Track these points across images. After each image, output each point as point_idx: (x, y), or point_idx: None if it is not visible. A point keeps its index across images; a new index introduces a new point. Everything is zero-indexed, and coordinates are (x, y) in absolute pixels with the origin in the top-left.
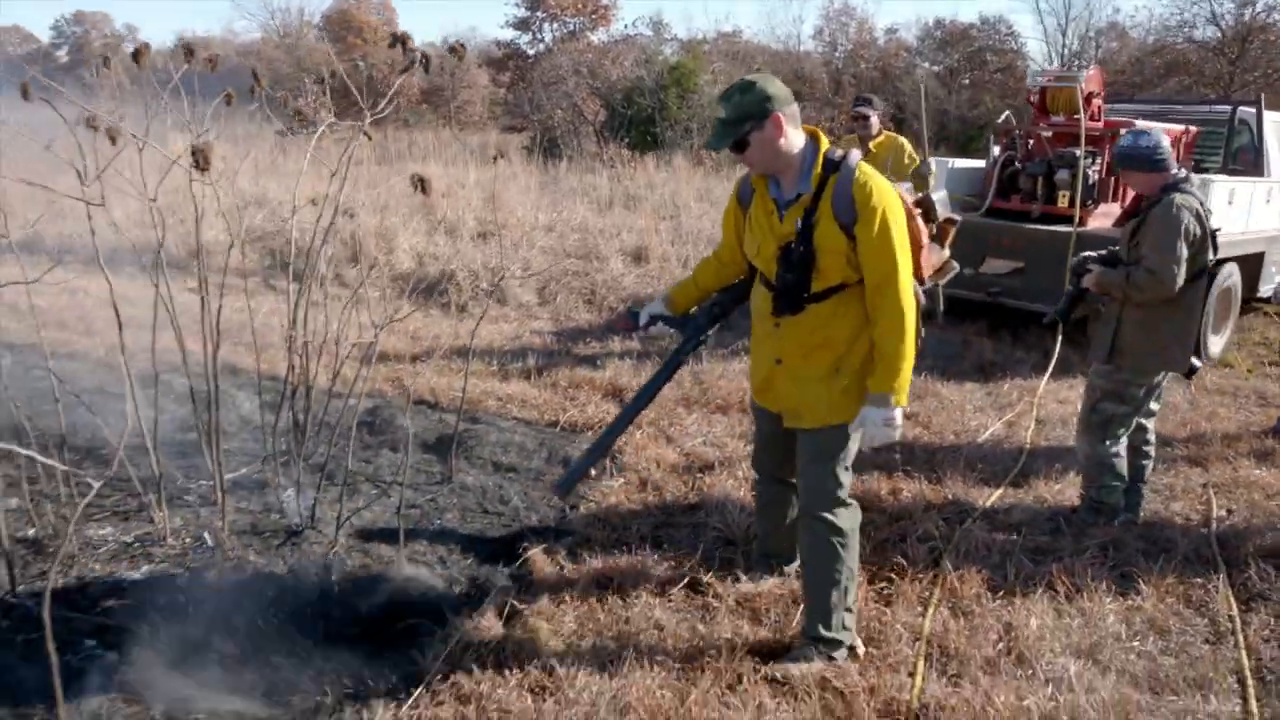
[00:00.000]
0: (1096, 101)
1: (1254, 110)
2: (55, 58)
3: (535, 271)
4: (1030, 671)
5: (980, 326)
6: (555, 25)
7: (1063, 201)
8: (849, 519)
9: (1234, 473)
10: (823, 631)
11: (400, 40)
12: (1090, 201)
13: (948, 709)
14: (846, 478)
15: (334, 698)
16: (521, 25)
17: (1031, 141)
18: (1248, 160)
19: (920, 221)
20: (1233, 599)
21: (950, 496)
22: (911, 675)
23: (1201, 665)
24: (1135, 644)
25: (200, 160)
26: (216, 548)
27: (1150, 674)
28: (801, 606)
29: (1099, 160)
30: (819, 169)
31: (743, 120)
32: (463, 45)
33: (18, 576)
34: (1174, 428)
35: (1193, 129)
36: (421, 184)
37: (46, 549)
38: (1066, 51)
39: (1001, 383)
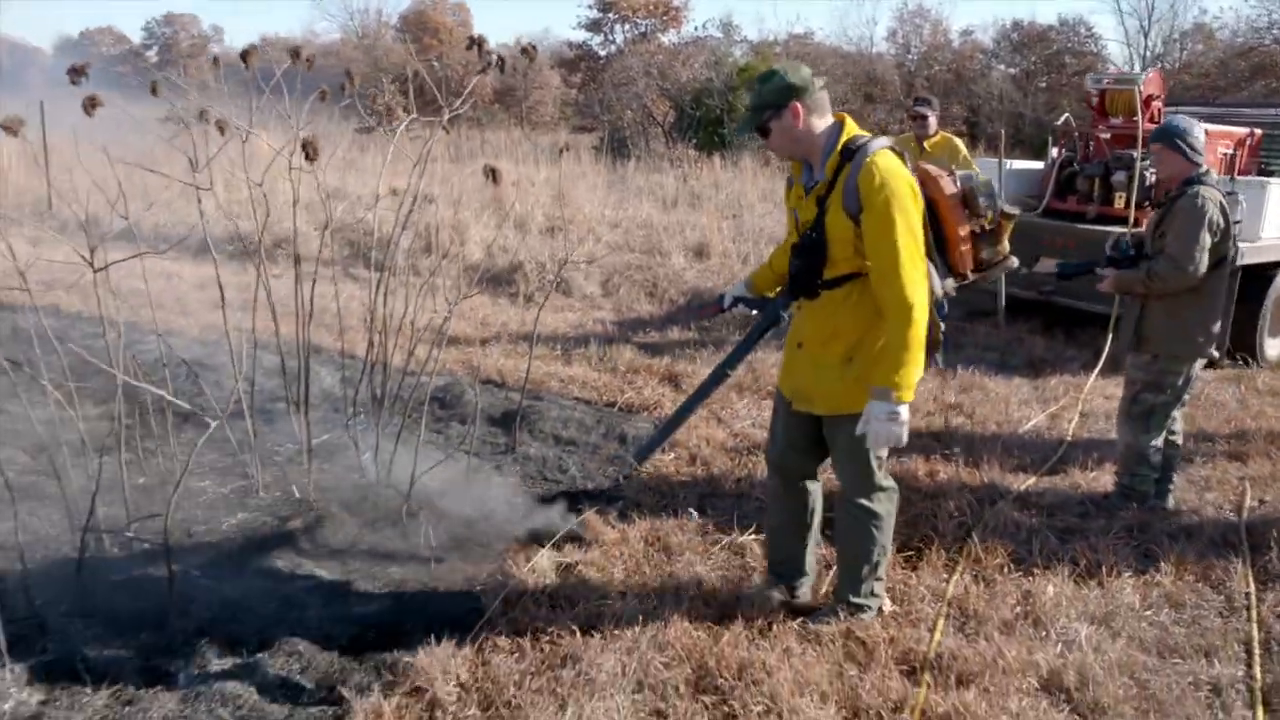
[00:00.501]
0: (1156, 104)
1: None
2: (145, 57)
3: (596, 258)
4: (1044, 633)
5: (1034, 324)
6: (627, 27)
7: (1119, 203)
8: (885, 503)
9: (1273, 467)
10: (852, 598)
11: (477, 42)
12: (1146, 203)
13: (960, 659)
14: (881, 458)
15: (404, 629)
16: (593, 27)
17: (1090, 143)
18: None
19: (960, 214)
20: (1251, 578)
21: (985, 480)
22: (931, 631)
23: (1211, 635)
24: (1149, 614)
25: (310, 152)
26: (303, 499)
27: (1160, 641)
28: (834, 572)
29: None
30: (836, 156)
31: (763, 108)
32: (534, 47)
33: (131, 515)
34: (1218, 424)
35: (1258, 132)
36: (493, 174)
37: (155, 495)
38: (1149, 54)
39: (1049, 378)
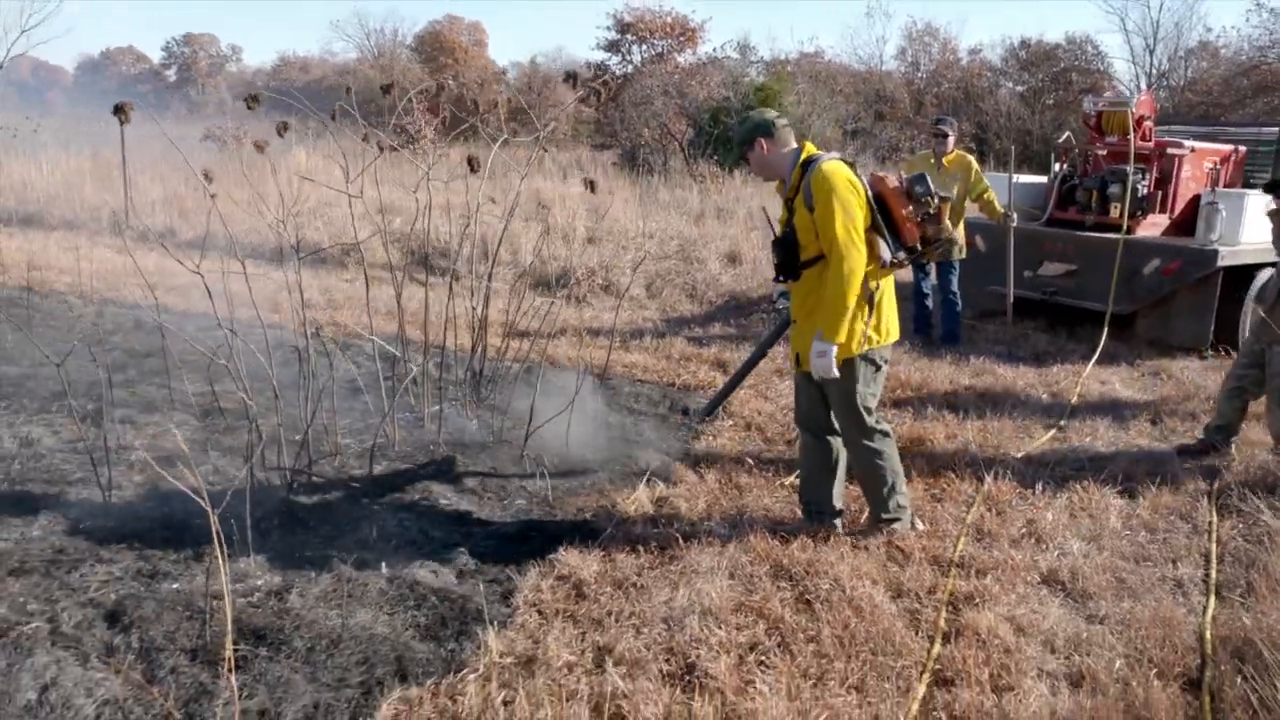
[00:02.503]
0: (1146, 123)
1: None
2: (164, 77)
3: (640, 259)
4: (1044, 546)
5: (1038, 322)
6: (644, 47)
7: (1114, 212)
8: (882, 442)
9: (1243, 435)
10: (882, 515)
11: (573, 76)
12: (1139, 212)
13: (979, 560)
14: (869, 409)
15: (540, 537)
16: (611, 47)
17: (1089, 159)
18: None
19: (903, 201)
20: (1214, 510)
21: (996, 443)
22: (955, 542)
23: (1178, 549)
24: (1128, 534)
25: (473, 165)
26: (434, 450)
27: (1136, 552)
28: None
29: (1148, 176)
30: (798, 170)
31: (741, 144)
32: (592, 76)
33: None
34: (1198, 404)
35: (1241, 149)
36: (591, 185)
37: (315, 447)
38: (1154, 72)
39: (1051, 366)
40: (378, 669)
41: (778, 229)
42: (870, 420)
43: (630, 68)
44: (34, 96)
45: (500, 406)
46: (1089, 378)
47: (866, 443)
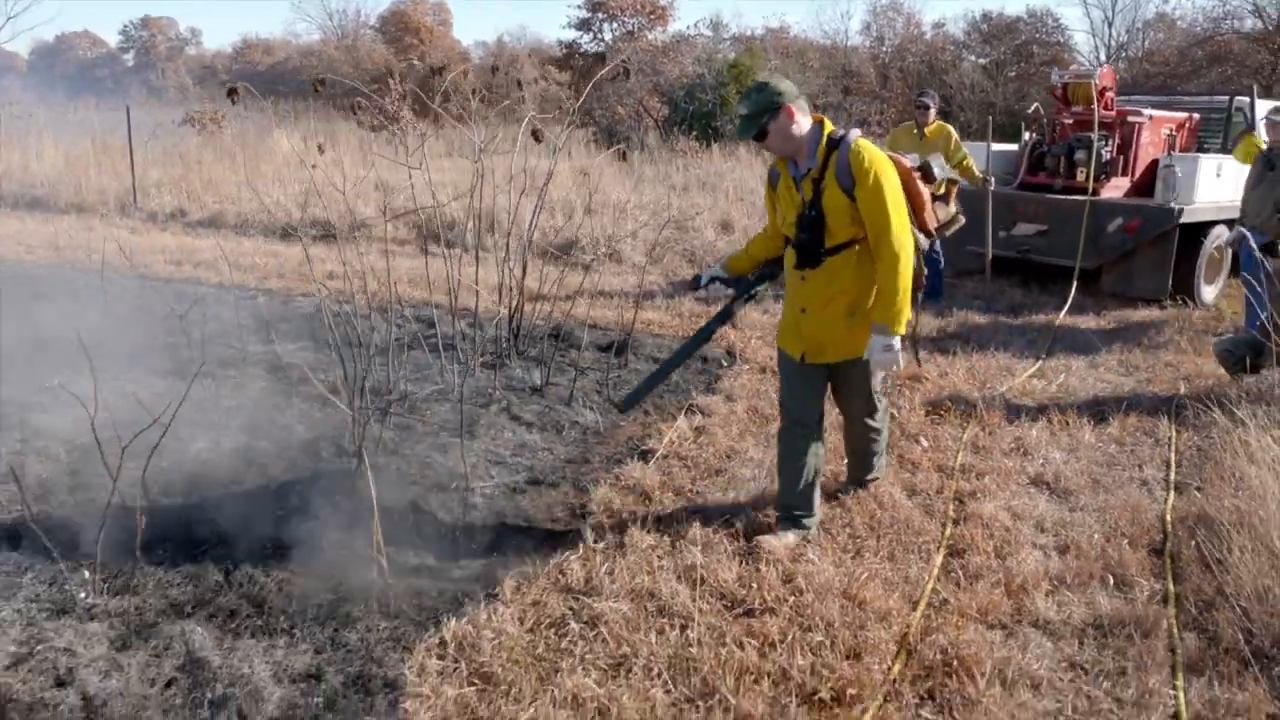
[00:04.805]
0: (1109, 94)
1: (1248, 99)
2: (122, 61)
3: (662, 223)
4: (1031, 456)
5: (1013, 278)
6: (614, 25)
7: (1080, 176)
8: (883, 417)
9: (1198, 369)
10: (865, 476)
11: (602, 56)
12: (1103, 176)
13: (976, 467)
14: (880, 395)
15: (600, 458)
16: (583, 25)
17: (1056, 127)
18: None
19: (921, 183)
20: (1173, 425)
21: (982, 381)
22: (955, 454)
23: (1143, 457)
24: (1101, 446)
25: (538, 137)
26: (493, 392)
27: (1108, 460)
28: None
29: (1110, 142)
30: (823, 147)
31: (762, 113)
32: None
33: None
34: (1161, 345)
35: (1195, 116)
36: (624, 155)
37: (379, 391)
38: (1113, 44)
39: (1027, 316)
40: (494, 553)
41: (789, 212)
42: (877, 398)
43: (602, 46)
44: None
45: (542, 358)
46: (1060, 326)
47: (870, 420)
